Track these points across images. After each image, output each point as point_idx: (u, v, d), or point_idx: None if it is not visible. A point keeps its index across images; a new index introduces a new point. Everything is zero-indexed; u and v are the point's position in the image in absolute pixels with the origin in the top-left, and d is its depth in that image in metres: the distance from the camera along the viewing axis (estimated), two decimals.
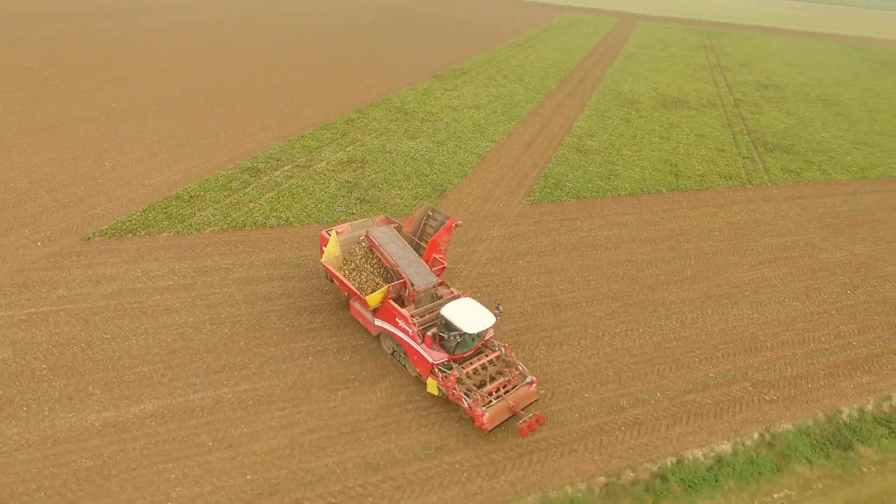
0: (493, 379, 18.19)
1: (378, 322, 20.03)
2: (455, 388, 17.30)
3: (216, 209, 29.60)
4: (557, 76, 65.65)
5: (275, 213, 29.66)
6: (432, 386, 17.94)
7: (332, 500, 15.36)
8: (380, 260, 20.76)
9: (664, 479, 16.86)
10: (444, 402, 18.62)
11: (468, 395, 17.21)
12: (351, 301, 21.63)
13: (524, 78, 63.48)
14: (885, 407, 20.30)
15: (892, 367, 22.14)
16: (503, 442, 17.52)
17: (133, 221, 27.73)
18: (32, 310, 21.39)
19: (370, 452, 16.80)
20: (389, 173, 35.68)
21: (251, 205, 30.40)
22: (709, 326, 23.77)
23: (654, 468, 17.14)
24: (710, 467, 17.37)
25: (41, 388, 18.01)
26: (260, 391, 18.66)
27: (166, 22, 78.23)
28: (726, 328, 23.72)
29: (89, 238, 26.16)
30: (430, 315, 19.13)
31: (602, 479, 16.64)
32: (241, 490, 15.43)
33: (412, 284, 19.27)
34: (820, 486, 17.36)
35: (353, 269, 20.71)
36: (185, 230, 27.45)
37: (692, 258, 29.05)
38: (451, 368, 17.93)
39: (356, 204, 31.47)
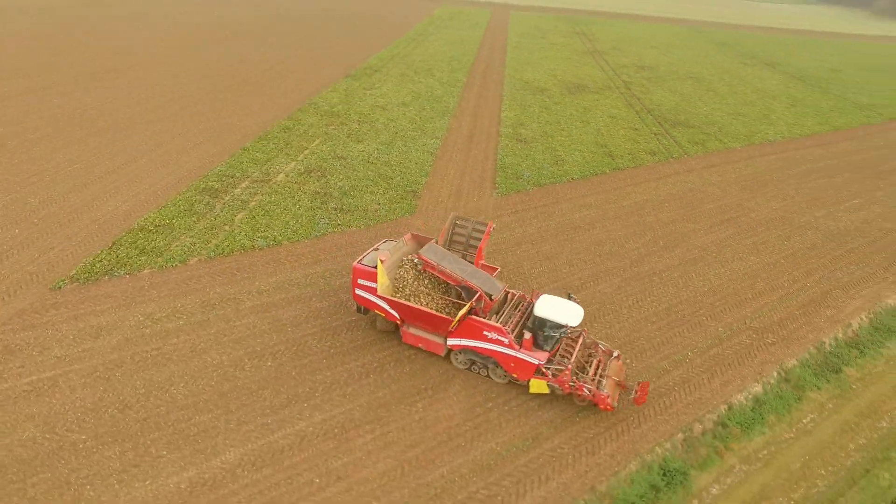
0: (587, 362, 19.29)
1: (454, 341, 19.54)
2: (573, 381, 18.18)
3: (192, 237, 27.22)
4: (462, 69, 67.44)
5: (259, 234, 27.97)
6: (540, 386, 18.63)
7: None
8: (432, 280, 20.67)
9: (724, 425, 19.22)
10: (517, 395, 19.40)
11: (586, 384, 18.19)
12: (403, 328, 20.72)
13: (434, 72, 64.44)
14: (850, 332, 24.61)
15: (843, 300, 26.76)
16: (585, 421, 18.76)
17: (104, 261, 24.69)
18: (34, 377, 18.52)
19: (477, 455, 17.16)
20: (354, 179, 34.97)
21: (227, 228, 28.34)
22: (699, 288, 26.87)
23: (714, 417, 19.44)
24: (753, 408, 20.06)
25: (95, 461, 15.90)
26: (339, 417, 18.05)
27: (37, 28, 67.90)
28: (712, 287, 27.00)
29: (59, 286, 22.91)
30: (516, 320, 19.67)
31: (680, 436, 18.57)
32: None
33: (489, 295, 19.57)
34: (830, 406, 20.81)
35: (410, 295, 20.31)
36: (168, 264, 25.02)
37: (658, 229, 32.29)
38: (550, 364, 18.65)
39: (336, 214, 30.61)
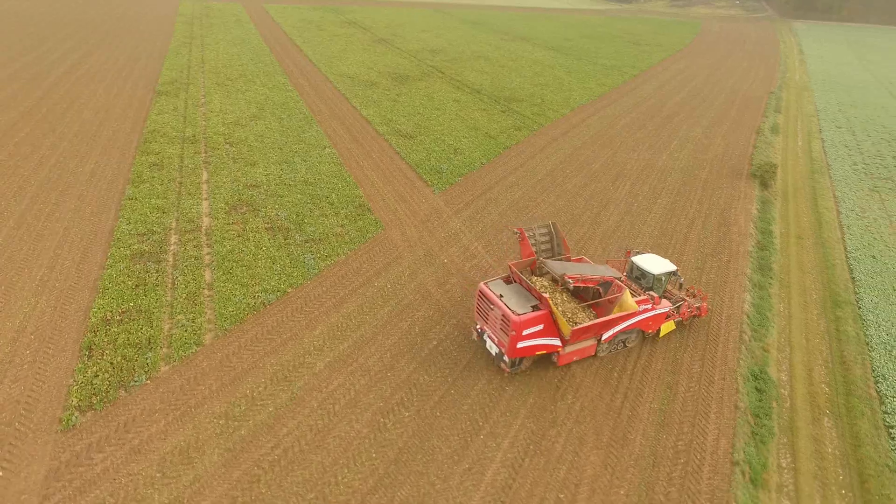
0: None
1: (608, 334, 20.52)
2: (688, 309, 22.80)
3: (179, 312, 22.21)
4: (275, 71, 63.30)
5: (255, 289, 24.14)
6: (668, 326, 22.46)
7: None
8: (562, 293, 20.96)
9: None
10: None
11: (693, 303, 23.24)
12: (561, 352, 20.17)
13: (252, 78, 59.23)
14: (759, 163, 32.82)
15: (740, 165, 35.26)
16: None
17: (98, 373, 18.85)
18: None
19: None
20: (291, 206, 31.79)
21: (210, 293, 23.76)
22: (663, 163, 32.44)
23: None
24: None
25: None
26: (521, 437, 18.04)
27: None
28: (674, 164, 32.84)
29: (71, 424, 16.99)
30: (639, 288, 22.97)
31: None
32: None
33: (618, 278, 21.80)
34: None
35: (569, 312, 20.22)
36: (184, 352, 20.30)
37: (597, 167, 37.05)
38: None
39: (313, 247, 27.90)
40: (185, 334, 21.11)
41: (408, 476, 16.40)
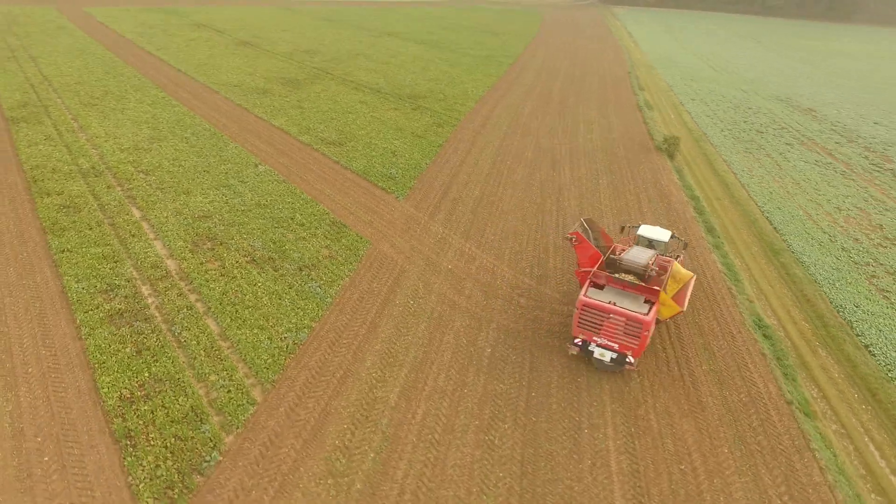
0: None
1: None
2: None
3: (213, 378, 19.31)
4: (143, 85, 56.06)
5: (280, 333, 21.81)
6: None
7: None
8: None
9: None
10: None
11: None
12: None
13: (121, 95, 51.84)
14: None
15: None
16: None
17: (162, 468, 15.89)
18: None
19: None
20: (261, 235, 28.97)
21: (228, 345, 21.00)
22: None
23: None
24: None
25: None
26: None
27: None
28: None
29: None
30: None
31: None
32: None
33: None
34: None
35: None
36: (241, 417, 17.84)
37: (530, 155, 38.60)
38: None
39: (312, 274, 25.80)
40: (231, 395, 18.53)
41: (545, 486, 16.38)
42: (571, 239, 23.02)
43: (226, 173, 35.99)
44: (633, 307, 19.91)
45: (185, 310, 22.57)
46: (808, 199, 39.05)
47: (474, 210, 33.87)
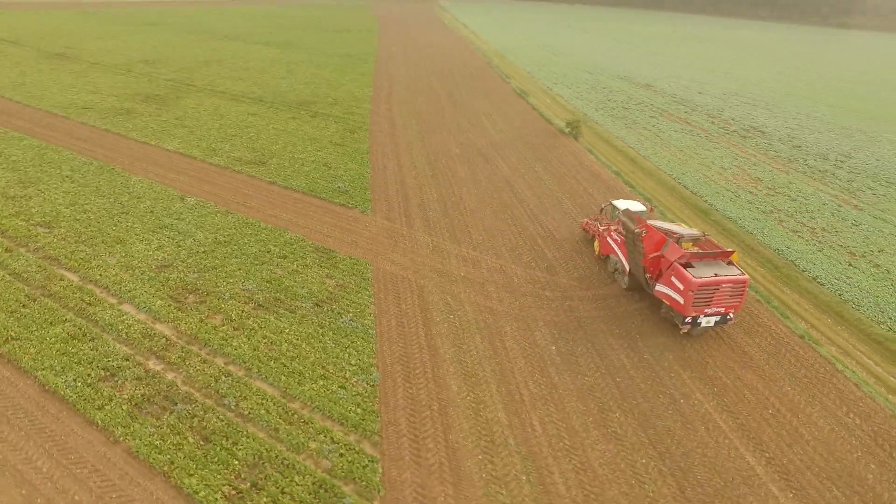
0: None
1: None
2: None
3: (312, 447, 16.82)
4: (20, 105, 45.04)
5: (349, 376, 19.65)
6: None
7: None
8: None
9: None
10: None
11: None
12: None
13: None
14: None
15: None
16: None
17: None
18: None
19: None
20: (246, 272, 25.56)
21: (300, 406, 18.46)
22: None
23: None
24: None
25: None
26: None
27: None
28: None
29: None
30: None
31: None
32: None
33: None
34: None
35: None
36: (371, 479, 15.97)
37: (458, 151, 39.12)
38: None
39: (330, 308, 23.50)
40: (347, 458, 16.40)
41: (685, 460, 17.41)
42: (641, 233, 23.97)
43: (152, 212, 30.71)
44: (729, 272, 22.33)
45: (222, 377, 19.18)
46: (698, 163, 45.43)
47: (445, 213, 33.51)
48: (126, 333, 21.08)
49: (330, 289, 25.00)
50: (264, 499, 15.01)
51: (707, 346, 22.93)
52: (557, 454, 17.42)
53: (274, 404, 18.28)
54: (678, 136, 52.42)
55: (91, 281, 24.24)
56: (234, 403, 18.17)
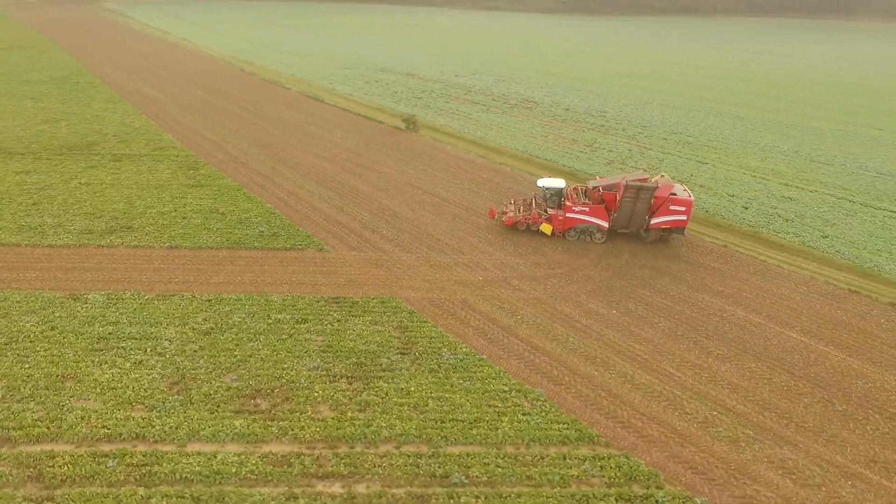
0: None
1: None
2: None
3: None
4: None
5: (540, 411, 19.10)
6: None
7: None
8: None
9: None
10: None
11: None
12: None
13: None
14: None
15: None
16: None
17: None
18: None
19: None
20: (274, 364, 21.36)
21: (530, 454, 17.54)
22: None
23: None
24: None
25: None
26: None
27: None
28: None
29: None
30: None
31: None
32: None
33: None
34: None
35: None
36: None
37: (345, 168, 38.08)
38: None
39: (423, 356, 21.76)
40: (613, 465, 16.81)
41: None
42: (654, 187, 30.50)
43: (74, 330, 22.11)
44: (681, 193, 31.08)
45: (437, 465, 16.74)
46: (524, 136, 52.45)
47: (396, 227, 32.44)
48: (253, 475, 16.17)
49: (392, 334, 22.91)
50: None
51: (693, 274, 29.07)
52: (687, 365, 20.95)
53: (500, 460, 17.10)
54: (484, 115, 58.89)
55: (67, 429, 17.15)
56: (463, 478, 16.35)
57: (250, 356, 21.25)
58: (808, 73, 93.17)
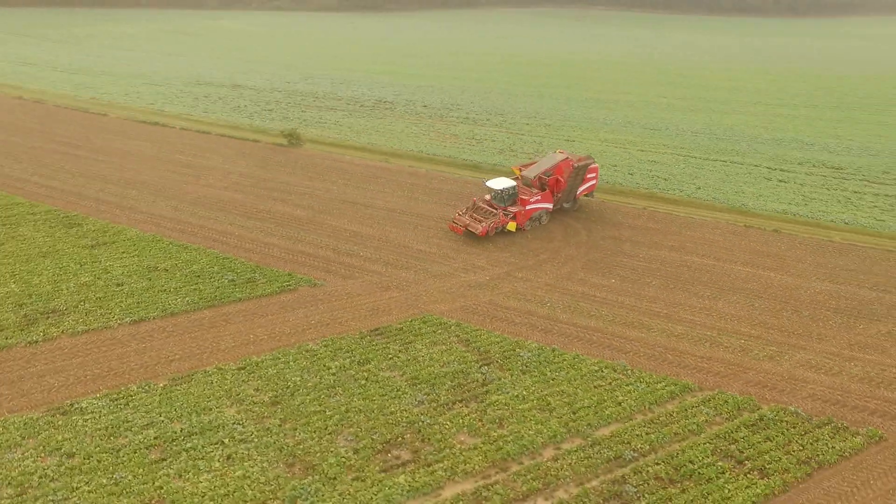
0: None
1: None
2: None
3: None
4: None
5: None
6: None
7: None
8: None
9: None
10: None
11: None
12: None
13: None
14: None
15: None
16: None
17: None
18: None
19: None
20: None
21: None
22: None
23: None
24: None
25: None
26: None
27: None
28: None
29: None
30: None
31: None
32: None
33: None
34: None
35: None
36: None
37: (236, 196, 35.66)
38: None
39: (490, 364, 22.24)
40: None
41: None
42: (587, 164, 35.12)
43: (100, 437, 17.39)
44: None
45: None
46: (407, 137, 52.84)
47: (374, 248, 31.39)
48: None
49: (460, 349, 22.90)
50: None
51: (641, 235, 33.84)
52: (695, 309, 25.48)
53: (645, 428, 18.91)
54: (351, 120, 57.69)
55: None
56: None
57: (346, 412, 19.39)
58: (600, 56, 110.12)
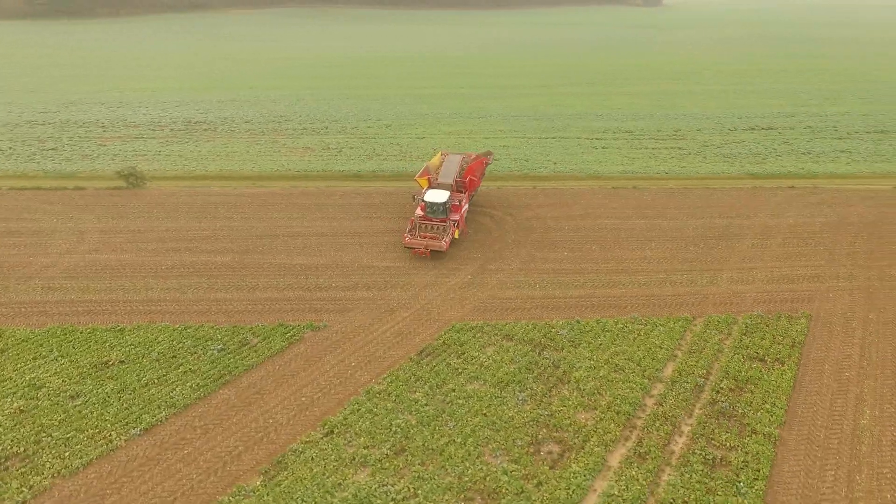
0: None
1: None
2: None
3: None
4: None
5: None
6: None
7: None
8: None
9: None
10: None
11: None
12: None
13: None
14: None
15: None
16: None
17: None
18: None
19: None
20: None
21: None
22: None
23: None
24: None
25: None
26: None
27: None
28: None
29: None
30: None
31: None
32: None
33: None
34: None
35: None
36: None
37: (164, 245, 31.52)
38: None
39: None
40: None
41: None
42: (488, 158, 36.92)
43: None
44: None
45: None
46: (261, 157, 48.57)
47: (343, 277, 29.73)
48: None
49: (508, 346, 24.12)
50: None
51: (558, 211, 38.33)
52: (676, 259, 31.42)
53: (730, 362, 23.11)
54: (180, 148, 50.58)
55: None
56: None
57: (472, 432, 19.20)
58: (372, 53, 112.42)
